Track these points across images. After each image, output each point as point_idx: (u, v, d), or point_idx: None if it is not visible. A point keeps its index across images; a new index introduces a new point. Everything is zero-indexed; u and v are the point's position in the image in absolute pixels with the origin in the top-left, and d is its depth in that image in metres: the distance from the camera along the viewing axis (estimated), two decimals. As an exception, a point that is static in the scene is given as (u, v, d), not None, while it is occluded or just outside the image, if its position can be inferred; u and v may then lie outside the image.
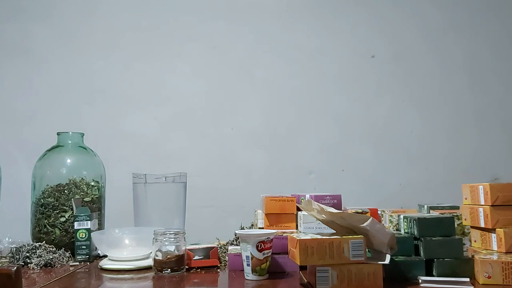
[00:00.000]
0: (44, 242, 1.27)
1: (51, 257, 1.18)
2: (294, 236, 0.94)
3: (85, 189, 1.36)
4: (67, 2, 1.77)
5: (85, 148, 1.43)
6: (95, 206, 1.36)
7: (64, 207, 1.33)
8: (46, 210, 1.32)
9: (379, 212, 1.24)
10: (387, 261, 0.91)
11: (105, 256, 1.22)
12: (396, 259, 0.96)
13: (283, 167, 1.73)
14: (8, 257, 1.23)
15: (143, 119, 1.74)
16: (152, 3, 1.78)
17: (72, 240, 1.27)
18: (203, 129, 1.74)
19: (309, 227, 1.15)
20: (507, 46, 1.80)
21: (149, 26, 1.77)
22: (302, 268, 1.05)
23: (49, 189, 1.34)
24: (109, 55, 1.76)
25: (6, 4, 1.76)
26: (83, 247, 1.23)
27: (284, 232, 1.14)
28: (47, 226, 1.32)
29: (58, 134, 1.42)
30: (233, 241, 1.27)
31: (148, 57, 1.76)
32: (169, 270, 1.06)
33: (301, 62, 1.78)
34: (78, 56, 1.75)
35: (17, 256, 1.20)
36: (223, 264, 1.15)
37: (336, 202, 1.19)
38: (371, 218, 0.92)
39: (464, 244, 1.04)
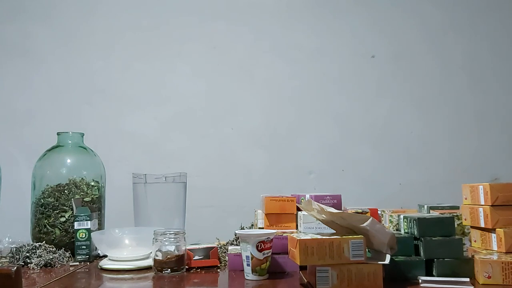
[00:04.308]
0: (44, 242, 1.27)
1: (51, 257, 1.18)
2: (294, 236, 0.94)
3: (85, 189, 1.36)
4: (67, 2, 1.77)
5: (85, 148, 1.43)
6: (95, 206, 1.35)
7: (64, 207, 1.33)
8: (46, 210, 1.32)
9: (379, 212, 1.24)
10: (387, 261, 0.91)
11: (105, 256, 1.22)
12: (396, 259, 0.96)
13: (283, 167, 1.73)
14: (8, 257, 1.23)
15: (143, 119, 1.74)
16: (152, 3, 1.78)
17: (72, 240, 1.27)
18: (203, 129, 1.74)
19: (309, 227, 1.15)
20: (507, 46, 1.80)
21: (149, 26, 1.77)
22: (302, 268, 1.05)
23: (49, 189, 1.34)
24: (109, 55, 1.76)
25: (6, 4, 1.76)
26: (83, 247, 1.23)
27: (284, 232, 1.14)
28: (47, 226, 1.32)
29: (58, 134, 1.42)
30: (233, 241, 1.27)
31: (148, 57, 1.76)
32: (169, 270, 1.06)
33: (301, 62, 1.78)
34: (78, 56, 1.75)
35: (17, 256, 1.20)
36: (223, 264, 1.14)
37: (336, 202, 1.19)
38: (371, 218, 0.92)
39: (464, 244, 1.03)
